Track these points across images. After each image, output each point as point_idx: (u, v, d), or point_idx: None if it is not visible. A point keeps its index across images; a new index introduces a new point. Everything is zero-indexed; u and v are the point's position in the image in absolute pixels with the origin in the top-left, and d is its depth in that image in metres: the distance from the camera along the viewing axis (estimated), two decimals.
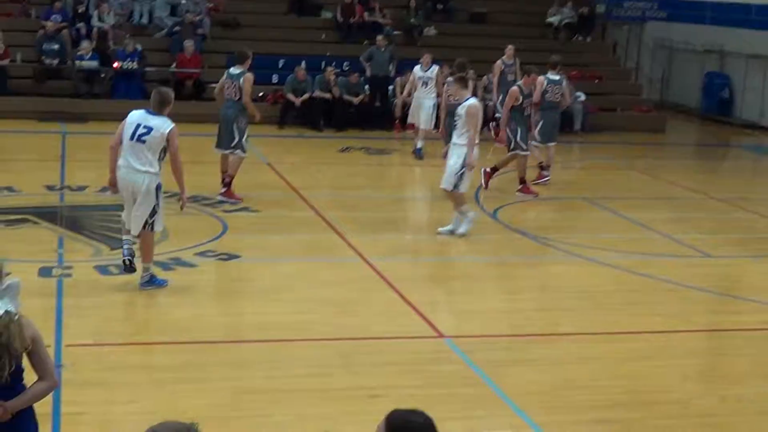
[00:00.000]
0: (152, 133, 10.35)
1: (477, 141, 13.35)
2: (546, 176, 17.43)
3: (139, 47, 22.96)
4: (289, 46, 24.75)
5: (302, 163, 18.93)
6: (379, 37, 23.72)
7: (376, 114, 23.06)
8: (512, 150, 16.35)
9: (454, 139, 13.45)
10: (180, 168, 10.52)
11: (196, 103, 22.71)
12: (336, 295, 10.98)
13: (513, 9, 27.93)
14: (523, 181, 16.48)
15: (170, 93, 10.82)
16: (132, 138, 10.38)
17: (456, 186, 13.26)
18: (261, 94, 23.31)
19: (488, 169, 16.52)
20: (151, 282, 10.68)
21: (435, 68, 20.02)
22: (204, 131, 20.14)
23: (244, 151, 14.95)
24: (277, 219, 14.36)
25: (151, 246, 10.71)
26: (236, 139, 14.83)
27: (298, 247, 13.06)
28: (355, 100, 22.71)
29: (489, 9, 27.56)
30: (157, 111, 10.51)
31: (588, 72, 26.42)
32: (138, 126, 10.40)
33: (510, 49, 21.07)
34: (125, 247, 10.62)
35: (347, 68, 23.55)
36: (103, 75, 22.72)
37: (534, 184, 16.86)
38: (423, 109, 19.66)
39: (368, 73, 23.38)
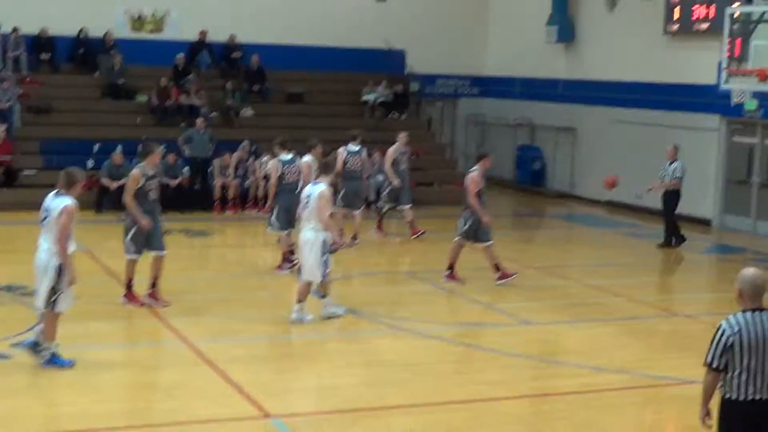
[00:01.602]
0: (51, 213, 10.76)
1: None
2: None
3: None
4: (104, 130, 24.41)
5: (121, 248, 18.51)
6: (199, 120, 23.64)
7: (196, 196, 22.91)
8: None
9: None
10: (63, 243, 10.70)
11: (7, 190, 22.07)
12: (161, 379, 10.74)
13: (329, 89, 28.32)
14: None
15: (77, 173, 11.12)
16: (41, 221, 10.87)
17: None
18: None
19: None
20: (52, 362, 10.80)
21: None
22: (17, 219, 19.55)
23: (127, 252, 13.88)
24: (97, 306, 13.98)
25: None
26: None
27: (120, 334, 12.73)
28: (173, 183, 22.49)
29: (305, 89, 27.86)
30: (64, 191, 10.88)
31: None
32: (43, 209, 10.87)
33: (402, 136, 20.84)
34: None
35: (164, 151, 23.31)
36: None
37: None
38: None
39: (187, 154, 23.22)
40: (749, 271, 7.04)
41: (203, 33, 27.40)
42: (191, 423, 9.66)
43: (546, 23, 28.15)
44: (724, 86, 18.79)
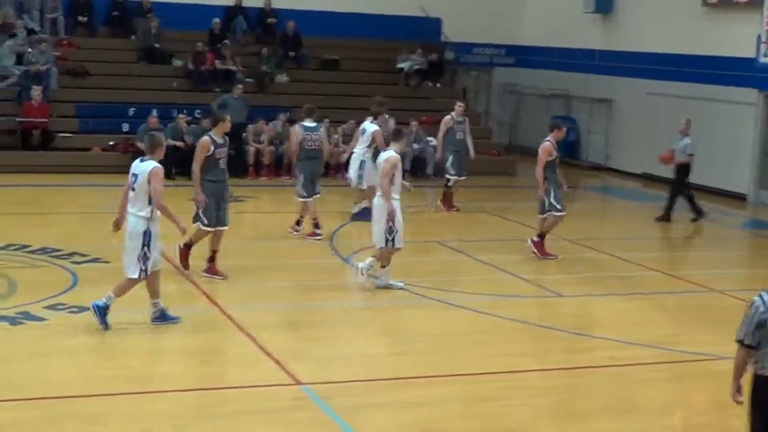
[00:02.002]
0: (138, 178, 10.99)
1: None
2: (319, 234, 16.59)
3: None
4: (140, 94, 24.50)
5: None
6: (238, 86, 23.57)
7: (230, 161, 22.87)
8: (547, 211, 15.78)
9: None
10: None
11: (43, 153, 22.23)
12: (193, 345, 10.84)
13: (364, 56, 28.25)
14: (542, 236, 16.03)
15: (160, 137, 11.53)
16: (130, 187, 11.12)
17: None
18: (112, 143, 23.01)
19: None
20: (163, 318, 11.25)
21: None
22: (52, 181, 19.71)
23: (203, 223, 13.58)
24: None
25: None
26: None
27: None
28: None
29: (341, 56, 27.81)
30: (149, 155, 11.16)
31: (439, 117, 26.68)
32: (131, 174, 11.13)
33: (459, 106, 20.38)
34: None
35: (199, 115, 23.39)
36: None
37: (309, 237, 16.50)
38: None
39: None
40: None
41: None
42: (223, 389, 9.79)
43: None
44: (763, 60, 18.59)
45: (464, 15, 29.56)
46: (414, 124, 24.18)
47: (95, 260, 14.23)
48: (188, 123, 22.87)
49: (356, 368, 10.50)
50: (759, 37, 18.56)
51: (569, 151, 28.64)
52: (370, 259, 13.49)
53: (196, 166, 13.38)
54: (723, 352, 10.77)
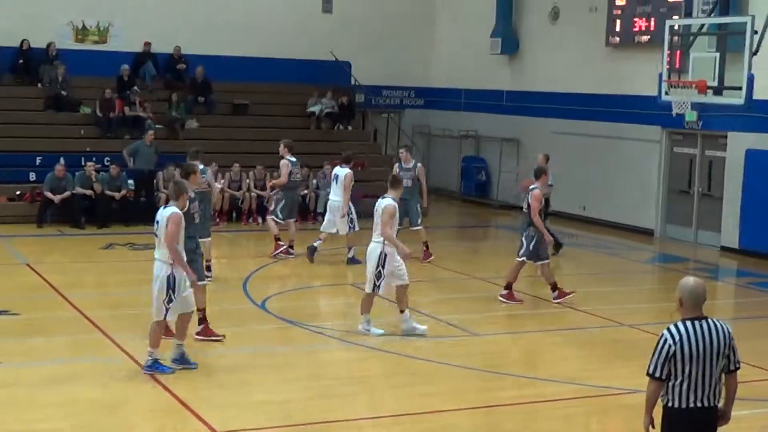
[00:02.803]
0: (160, 224, 11.36)
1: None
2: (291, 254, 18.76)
3: None
4: (47, 142, 24.17)
5: (64, 262, 18.39)
6: (149, 133, 23.37)
7: (141, 208, 22.73)
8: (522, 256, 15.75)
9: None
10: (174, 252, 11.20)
11: None
12: (105, 396, 10.66)
13: (274, 101, 28.29)
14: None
15: (185, 184, 11.93)
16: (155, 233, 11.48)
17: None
18: (18, 192, 22.66)
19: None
20: (154, 367, 11.30)
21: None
22: None
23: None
24: (40, 321, 13.86)
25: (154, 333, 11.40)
26: None
27: (62, 349, 12.62)
28: (118, 196, 22.34)
29: (251, 100, 27.82)
30: (173, 202, 11.55)
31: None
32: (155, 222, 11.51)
33: (403, 153, 20.38)
34: None
35: (108, 163, 23.15)
36: None
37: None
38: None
39: (132, 166, 22.99)
40: (689, 281, 7.14)
41: (148, 44, 27.26)
42: None
43: (490, 35, 28.36)
44: (664, 98, 19.01)
45: (373, 59, 29.84)
46: (327, 167, 24.24)
47: (3, 313, 13.94)
48: (97, 171, 22.62)
49: (273, 414, 10.42)
50: (660, 75, 19.00)
51: (480, 190, 29.02)
52: (363, 317, 13.46)
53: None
54: (634, 385, 10.95)
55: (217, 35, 28.07)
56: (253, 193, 23.34)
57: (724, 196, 22.15)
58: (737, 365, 7.13)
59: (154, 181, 23.08)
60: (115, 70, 26.16)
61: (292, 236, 19.02)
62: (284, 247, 18.83)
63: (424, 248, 19.25)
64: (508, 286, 15.91)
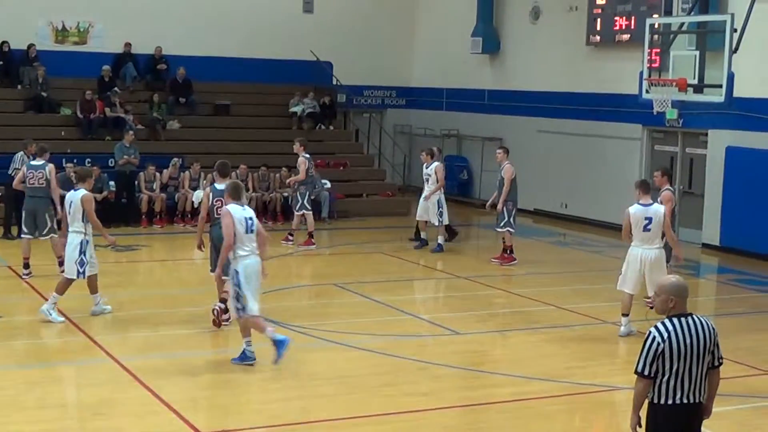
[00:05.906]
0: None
1: None
2: None
3: None
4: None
5: (46, 264, 18.27)
6: (129, 133, 23.32)
7: (122, 210, 22.68)
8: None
9: None
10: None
11: None
12: (89, 398, 10.63)
13: (255, 101, 28.25)
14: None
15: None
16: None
17: None
18: (0, 194, 22.52)
19: None
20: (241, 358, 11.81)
21: (434, 164, 20.72)
22: None
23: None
24: (19, 324, 13.81)
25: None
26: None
27: (43, 352, 12.57)
28: (99, 197, 22.21)
29: (232, 101, 27.78)
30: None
31: (333, 160, 26.97)
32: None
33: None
34: None
35: (89, 164, 23.03)
36: None
37: None
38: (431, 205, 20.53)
39: (114, 167, 22.93)
40: (672, 278, 7.18)
41: (128, 45, 27.18)
42: None
43: (471, 34, 28.39)
44: (645, 96, 19.06)
45: (355, 58, 29.83)
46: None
47: None
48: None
49: (256, 415, 10.41)
50: (641, 73, 19.05)
51: (462, 189, 29.03)
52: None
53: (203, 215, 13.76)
54: (618, 382, 11.00)
55: (198, 35, 28.02)
56: (281, 193, 23.69)
57: (705, 194, 22.26)
58: (720, 361, 7.16)
59: (135, 182, 23.01)
60: (95, 71, 26.08)
61: (311, 227, 20.28)
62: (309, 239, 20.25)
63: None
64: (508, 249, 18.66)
